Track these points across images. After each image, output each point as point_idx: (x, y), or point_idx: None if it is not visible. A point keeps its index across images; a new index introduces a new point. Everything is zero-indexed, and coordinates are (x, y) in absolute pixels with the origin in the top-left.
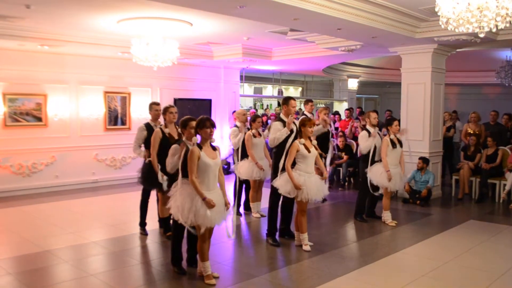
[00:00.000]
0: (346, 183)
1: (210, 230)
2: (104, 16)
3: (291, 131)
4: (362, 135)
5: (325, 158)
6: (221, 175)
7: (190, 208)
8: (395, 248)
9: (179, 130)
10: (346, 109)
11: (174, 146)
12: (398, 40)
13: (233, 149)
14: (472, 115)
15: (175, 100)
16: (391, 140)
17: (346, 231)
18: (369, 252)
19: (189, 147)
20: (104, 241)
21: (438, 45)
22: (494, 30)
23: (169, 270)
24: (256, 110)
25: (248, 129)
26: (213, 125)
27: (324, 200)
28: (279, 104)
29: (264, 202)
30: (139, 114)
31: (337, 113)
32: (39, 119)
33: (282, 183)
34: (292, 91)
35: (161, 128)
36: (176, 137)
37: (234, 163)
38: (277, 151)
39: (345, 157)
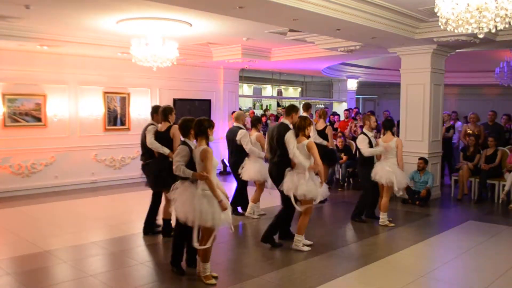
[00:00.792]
0: (345, 184)
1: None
2: (103, 17)
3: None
4: (361, 139)
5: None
6: None
7: (207, 210)
8: (394, 249)
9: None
10: (345, 110)
11: (182, 147)
12: (397, 41)
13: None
14: (471, 116)
15: (175, 101)
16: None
17: (345, 232)
18: (368, 252)
19: (192, 148)
20: (103, 241)
21: (438, 46)
22: (493, 30)
23: (168, 271)
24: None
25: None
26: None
27: (324, 200)
28: (278, 105)
29: (262, 204)
30: (138, 114)
31: (336, 113)
32: (38, 119)
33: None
34: (292, 92)
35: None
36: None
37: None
38: (283, 159)
39: (344, 157)
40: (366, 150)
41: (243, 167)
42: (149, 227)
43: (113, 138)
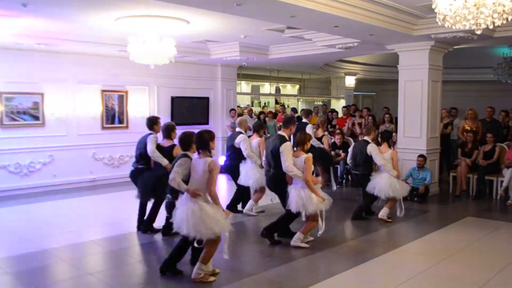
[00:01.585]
0: (344, 181)
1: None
2: (101, 14)
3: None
4: (377, 150)
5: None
6: None
7: (212, 222)
8: (393, 245)
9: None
10: (344, 107)
11: (185, 159)
12: (395, 38)
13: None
14: (469, 112)
15: (173, 98)
16: None
17: (344, 229)
18: (367, 249)
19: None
20: (102, 240)
21: (435, 42)
22: (491, 27)
23: None
24: (251, 110)
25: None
26: None
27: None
28: (276, 102)
29: (261, 201)
30: (136, 112)
31: (334, 110)
32: (36, 118)
33: (298, 200)
34: (290, 89)
35: None
36: None
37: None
38: (278, 171)
39: (342, 154)
40: (383, 162)
41: (240, 173)
42: (148, 226)
43: (111, 136)
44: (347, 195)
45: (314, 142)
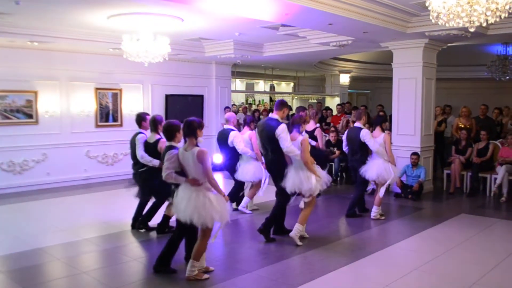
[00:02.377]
0: (339, 178)
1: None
2: (94, 12)
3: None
4: (369, 134)
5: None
6: None
7: (216, 210)
8: (387, 242)
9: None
10: (338, 104)
11: (171, 152)
12: (389, 35)
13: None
14: (463, 109)
15: (167, 96)
16: None
17: (339, 226)
18: (362, 246)
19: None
20: (96, 238)
21: (429, 40)
22: (484, 24)
23: None
24: (251, 105)
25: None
26: None
27: (318, 195)
28: (271, 100)
29: (256, 199)
30: (130, 110)
31: (328, 108)
32: (29, 116)
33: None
34: (284, 87)
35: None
36: None
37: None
38: (277, 155)
39: (337, 152)
40: (376, 146)
41: (237, 169)
42: (144, 223)
43: (105, 134)
44: (342, 192)
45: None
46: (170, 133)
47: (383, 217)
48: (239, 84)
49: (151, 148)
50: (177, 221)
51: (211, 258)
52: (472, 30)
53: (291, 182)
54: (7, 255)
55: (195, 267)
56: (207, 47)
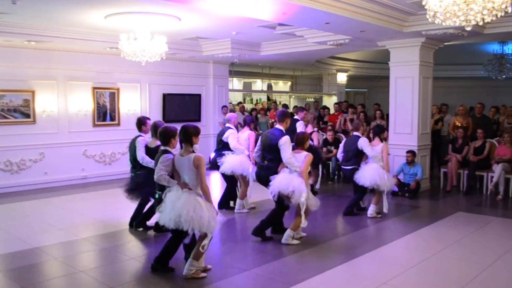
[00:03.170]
0: (336, 177)
1: None
2: (91, 11)
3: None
4: (367, 143)
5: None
6: None
7: (204, 216)
8: (384, 241)
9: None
10: (335, 103)
11: (166, 156)
12: (386, 34)
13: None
14: (459, 108)
15: (164, 96)
16: None
17: (336, 225)
18: (359, 245)
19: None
20: (94, 237)
21: (426, 39)
22: (481, 23)
23: None
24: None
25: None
26: None
27: (315, 193)
28: (268, 99)
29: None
30: (128, 109)
31: (325, 107)
32: (27, 115)
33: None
34: (281, 86)
35: None
36: None
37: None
38: (273, 164)
39: (334, 151)
40: (373, 153)
41: (223, 163)
42: (142, 223)
43: (102, 133)
44: (339, 191)
45: None
46: (166, 139)
47: (379, 216)
48: (236, 83)
49: (151, 153)
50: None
51: (208, 256)
52: (468, 29)
53: (276, 181)
54: (5, 254)
55: (194, 266)
56: (204, 46)
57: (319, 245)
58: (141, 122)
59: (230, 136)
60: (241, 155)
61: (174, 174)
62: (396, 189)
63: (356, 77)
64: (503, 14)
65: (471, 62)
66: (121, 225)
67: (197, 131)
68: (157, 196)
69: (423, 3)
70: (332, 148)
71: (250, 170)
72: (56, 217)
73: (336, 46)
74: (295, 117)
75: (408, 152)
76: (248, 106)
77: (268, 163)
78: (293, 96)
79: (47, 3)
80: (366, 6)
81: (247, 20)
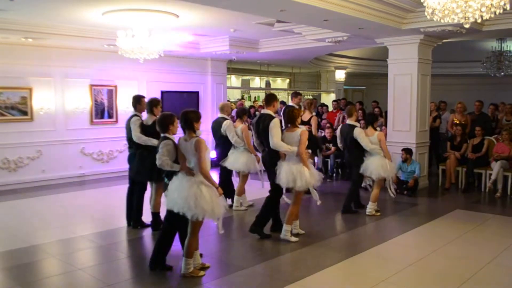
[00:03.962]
0: (334, 174)
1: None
2: (89, 8)
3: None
4: (362, 133)
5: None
6: None
7: (208, 201)
8: (383, 238)
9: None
10: (334, 101)
11: (166, 141)
12: (384, 31)
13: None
14: (458, 105)
15: (162, 93)
16: None
17: (334, 222)
18: (357, 242)
19: (175, 142)
20: (92, 235)
21: (425, 36)
22: (479, 20)
23: None
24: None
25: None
26: None
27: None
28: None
29: (251, 195)
30: (126, 107)
31: (324, 104)
32: (24, 113)
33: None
34: (280, 83)
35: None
36: None
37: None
38: (273, 149)
39: (332, 148)
40: (370, 146)
41: (227, 158)
42: (138, 221)
43: (100, 131)
44: (338, 189)
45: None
46: (163, 126)
47: (378, 213)
48: (234, 80)
49: (149, 130)
50: (167, 215)
51: (206, 254)
52: (467, 26)
53: (284, 177)
54: (3, 252)
55: (189, 264)
56: (202, 44)
57: (318, 243)
58: (135, 101)
59: (228, 130)
60: (245, 155)
61: (179, 158)
62: (394, 186)
63: (354, 75)
64: (501, 11)
65: (470, 60)
66: (119, 222)
67: (197, 116)
68: (166, 181)
69: (422, 0)
70: (330, 145)
71: (253, 167)
72: (53, 215)
73: (335, 43)
74: (290, 103)
75: (403, 150)
76: (247, 103)
77: (267, 149)
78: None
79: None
80: (365, 3)
81: (245, 17)
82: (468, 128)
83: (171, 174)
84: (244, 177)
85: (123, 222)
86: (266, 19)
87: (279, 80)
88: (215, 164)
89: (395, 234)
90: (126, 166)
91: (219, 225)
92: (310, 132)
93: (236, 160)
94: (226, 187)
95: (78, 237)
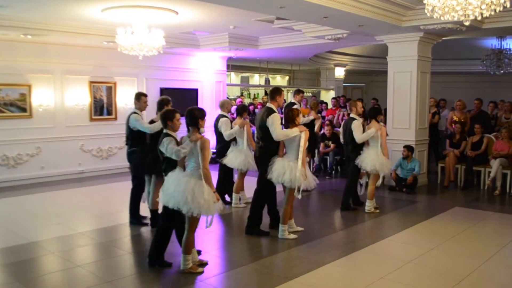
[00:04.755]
0: (333, 172)
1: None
2: (88, 5)
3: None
4: (358, 125)
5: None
6: None
7: (205, 199)
8: (382, 236)
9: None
10: (333, 98)
11: (169, 138)
12: (384, 29)
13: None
14: (457, 103)
15: (162, 90)
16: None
17: (333, 219)
18: (356, 239)
19: (176, 139)
20: (91, 231)
21: (424, 34)
22: (479, 18)
23: None
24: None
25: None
26: None
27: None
28: (266, 93)
29: (249, 193)
30: (125, 104)
31: (323, 102)
32: (23, 109)
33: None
34: (279, 80)
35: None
36: None
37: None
38: (267, 143)
39: (332, 145)
40: (359, 137)
41: (226, 155)
42: (136, 218)
43: (99, 128)
44: (337, 186)
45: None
46: (163, 121)
47: (377, 211)
48: (234, 77)
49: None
50: (163, 212)
51: (205, 251)
52: (467, 23)
53: (276, 171)
54: (2, 248)
55: (188, 260)
56: (202, 41)
57: (317, 240)
58: (135, 98)
59: (223, 126)
60: (244, 153)
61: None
62: (393, 184)
63: (354, 72)
64: (501, 8)
65: (470, 57)
66: (118, 219)
67: (202, 114)
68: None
69: None
70: (330, 142)
71: (251, 165)
72: (52, 212)
73: (334, 40)
74: (292, 100)
75: (404, 147)
76: (246, 101)
77: (261, 143)
78: (291, 91)
79: None
80: (365, 0)
81: (245, 14)
82: (468, 126)
83: (170, 170)
84: (242, 174)
85: (122, 218)
86: (266, 16)
87: (278, 77)
88: (214, 161)
89: (394, 231)
90: (125, 163)
91: (208, 219)
92: (311, 132)
93: (234, 158)
94: (227, 184)
95: (78, 234)
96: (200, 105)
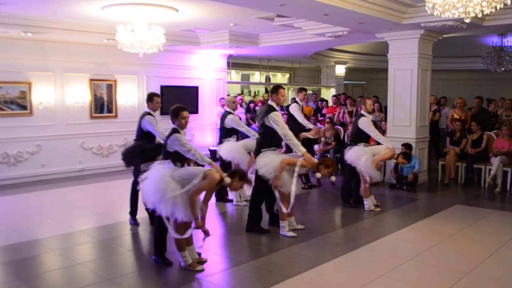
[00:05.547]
0: None
1: None
2: (88, 2)
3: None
4: (369, 124)
5: None
6: None
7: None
8: (382, 233)
9: None
10: (333, 96)
11: (179, 135)
12: (385, 26)
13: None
14: (458, 101)
15: (162, 88)
16: None
17: (333, 217)
18: (356, 237)
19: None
20: (91, 229)
21: (425, 31)
22: (480, 15)
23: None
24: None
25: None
26: None
27: (312, 186)
28: (266, 91)
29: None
30: (125, 101)
31: (324, 99)
32: (24, 107)
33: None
34: (280, 78)
35: None
36: None
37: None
38: (263, 137)
39: (332, 143)
40: (378, 136)
41: (222, 144)
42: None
43: (100, 125)
44: (337, 184)
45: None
46: (171, 117)
47: (378, 209)
48: (234, 75)
49: None
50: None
51: (205, 248)
52: (467, 21)
53: (263, 165)
54: (2, 246)
55: (185, 256)
56: (202, 38)
57: (317, 238)
58: (147, 98)
59: (233, 122)
60: (232, 143)
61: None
62: (394, 181)
63: (354, 69)
64: (502, 6)
65: (470, 55)
66: (119, 217)
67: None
68: None
69: None
70: (330, 140)
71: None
72: (53, 210)
73: (335, 38)
74: (296, 99)
75: (402, 145)
76: (247, 98)
77: (259, 136)
78: (291, 88)
79: None
80: None
81: (245, 11)
82: (468, 123)
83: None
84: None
85: (122, 216)
86: (266, 13)
87: (279, 75)
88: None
89: (394, 229)
90: None
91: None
92: (307, 129)
93: (223, 148)
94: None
95: (78, 232)
96: (200, 103)
